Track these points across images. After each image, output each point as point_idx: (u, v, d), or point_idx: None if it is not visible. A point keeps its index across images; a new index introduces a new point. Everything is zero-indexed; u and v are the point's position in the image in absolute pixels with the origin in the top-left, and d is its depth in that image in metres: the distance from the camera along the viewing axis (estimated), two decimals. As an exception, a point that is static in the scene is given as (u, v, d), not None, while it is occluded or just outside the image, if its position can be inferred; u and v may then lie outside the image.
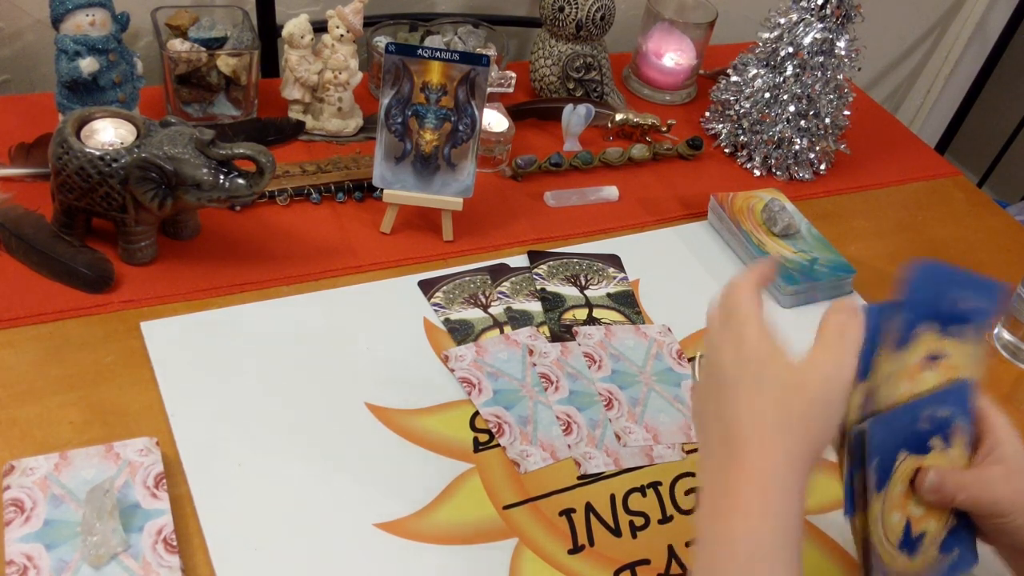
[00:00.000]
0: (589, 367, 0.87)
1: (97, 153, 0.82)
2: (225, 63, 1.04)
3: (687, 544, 0.75)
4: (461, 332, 0.88)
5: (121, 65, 0.97)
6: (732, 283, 0.58)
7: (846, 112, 1.19)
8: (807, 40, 1.11)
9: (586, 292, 0.96)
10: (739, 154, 1.20)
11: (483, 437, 0.80)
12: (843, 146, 1.22)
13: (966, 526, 0.61)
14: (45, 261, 0.85)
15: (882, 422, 0.57)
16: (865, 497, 0.57)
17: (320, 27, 1.05)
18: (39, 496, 0.67)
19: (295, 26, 1.03)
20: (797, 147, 1.17)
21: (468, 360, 0.85)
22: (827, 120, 1.16)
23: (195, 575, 0.66)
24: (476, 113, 0.94)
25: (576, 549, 0.73)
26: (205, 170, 0.83)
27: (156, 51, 1.05)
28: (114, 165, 0.82)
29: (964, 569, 0.61)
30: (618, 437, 0.81)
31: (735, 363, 0.55)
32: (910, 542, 0.59)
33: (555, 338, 0.90)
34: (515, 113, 1.16)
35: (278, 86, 1.09)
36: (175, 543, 0.66)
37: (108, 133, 0.86)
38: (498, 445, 0.79)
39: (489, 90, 1.06)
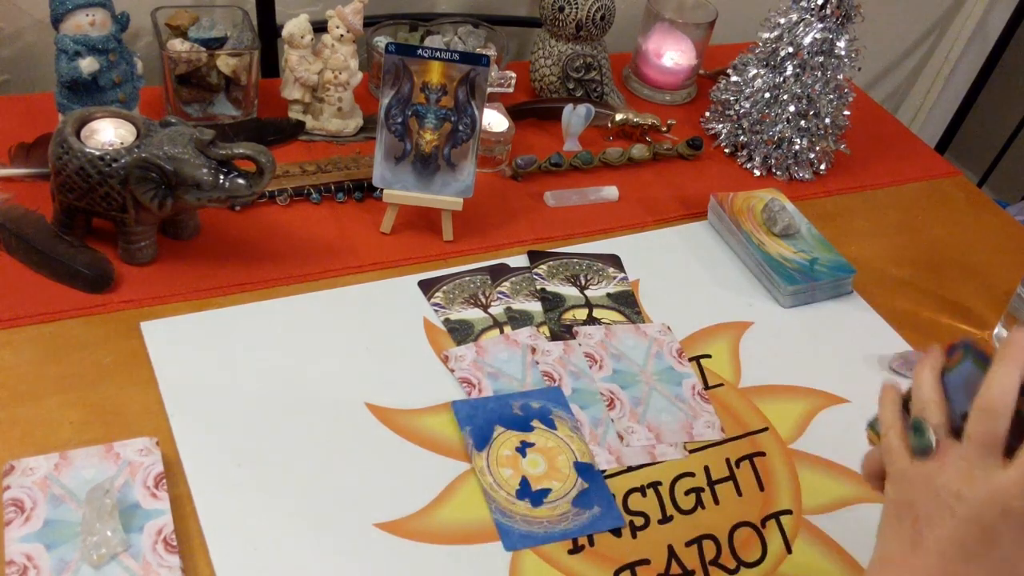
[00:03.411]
0: (590, 367, 0.87)
1: (97, 153, 0.82)
2: (225, 63, 1.04)
3: (687, 544, 0.75)
4: (461, 332, 0.88)
5: (121, 65, 0.97)
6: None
7: (846, 112, 1.19)
8: (807, 40, 1.11)
9: (586, 292, 0.96)
10: (739, 154, 1.20)
11: (483, 437, 0.80)
12: (843, 146, 1.22)
13: (599, 489, 0.76)
14: (45, 261, 0.85)
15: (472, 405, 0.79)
16: None
17: (320, 27, 1.05)
18: (39, 496, 0.67)
19: (295, 26, 1.03)
20: (797, 147, 1.17)
21: (468, 360, 0.85)
22: (827, 120, 1.16)
23: (195, 575, 0.66)
24: (476, 113, 0.94)
25: (576, 549, 0.73)
26: (205, 170, 0.83)
27: (156, 51, 1.05)
28: (114, 165, 0.82)
29: (611, 525, 0.74)
30: (621, 437, 0.81)
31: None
32: (530, 494, 0.74)
33: (555, 338, 0.90)
34: (515, 113, 1.16)
35: (278, 86, 1.09)
36: (175, 543, 0.66)
37: (108, 133, 0.85)
38: (498, 445, 0.79)
39: (489, 90, 1.06)
